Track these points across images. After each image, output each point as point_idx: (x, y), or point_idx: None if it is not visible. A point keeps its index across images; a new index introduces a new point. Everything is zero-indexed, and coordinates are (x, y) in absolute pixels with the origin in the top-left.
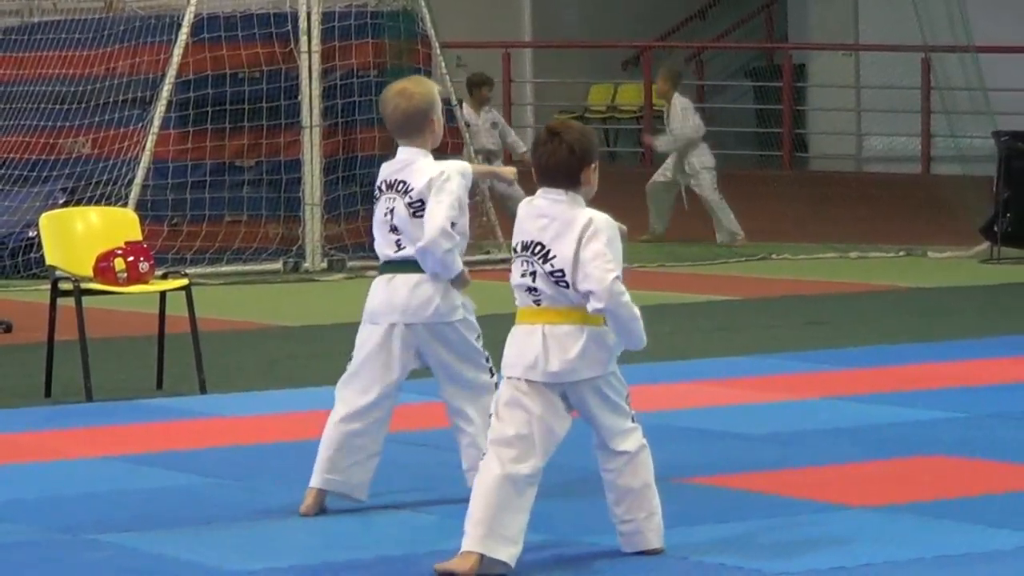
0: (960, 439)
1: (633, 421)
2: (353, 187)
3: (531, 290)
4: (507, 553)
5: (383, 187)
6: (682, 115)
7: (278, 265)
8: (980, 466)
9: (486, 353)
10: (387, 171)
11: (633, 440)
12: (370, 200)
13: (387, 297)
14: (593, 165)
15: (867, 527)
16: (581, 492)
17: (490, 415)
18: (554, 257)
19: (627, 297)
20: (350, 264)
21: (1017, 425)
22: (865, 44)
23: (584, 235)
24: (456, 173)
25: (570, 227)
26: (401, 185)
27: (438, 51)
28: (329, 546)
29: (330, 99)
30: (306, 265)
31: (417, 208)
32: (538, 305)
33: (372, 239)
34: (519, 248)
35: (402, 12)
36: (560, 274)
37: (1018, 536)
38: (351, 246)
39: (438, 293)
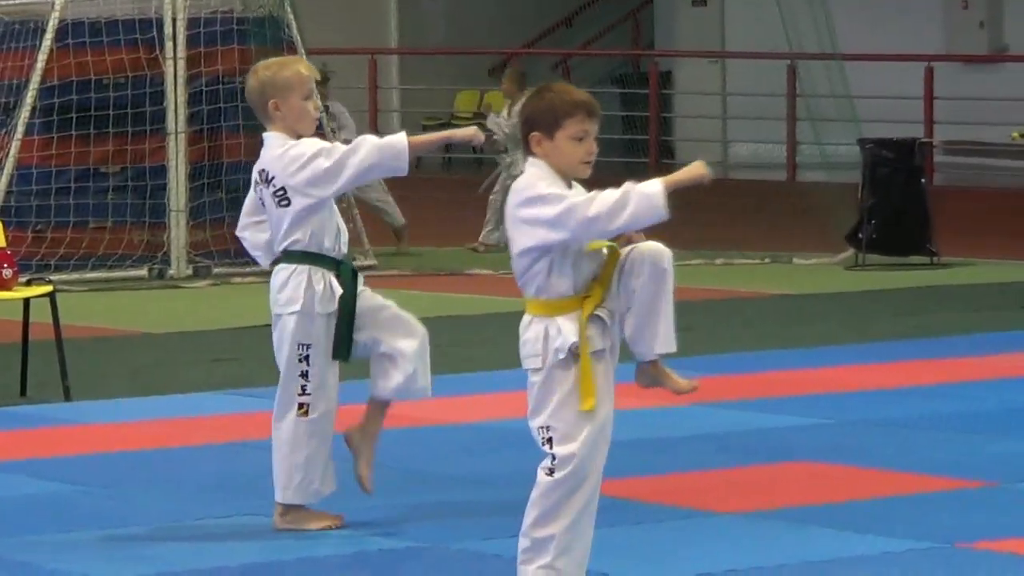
0: (827, 445)
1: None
2: (219, 193)
3: None
4: None
5: (255, 179)
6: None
7: (143, 272)
8: (846, 472)
9: (303, 367)
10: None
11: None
12: (235, 207)
13: None
14: (535, 134)
15: (734, 533)
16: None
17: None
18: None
19: (592, 209)
20: (215, 271)
21: (883, 431)
22: (731, 51)
23: (513, 203)
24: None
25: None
26: (263, 174)
27: (304, 57)
28: (196, 553)
29: (195, 105)
30: (171, 272)
31: (281, 198)
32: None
33: (238, 245)
34: None
35: (268, 18)
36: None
37: (883, 542)
38: (216, 253)
39: (275, 282)
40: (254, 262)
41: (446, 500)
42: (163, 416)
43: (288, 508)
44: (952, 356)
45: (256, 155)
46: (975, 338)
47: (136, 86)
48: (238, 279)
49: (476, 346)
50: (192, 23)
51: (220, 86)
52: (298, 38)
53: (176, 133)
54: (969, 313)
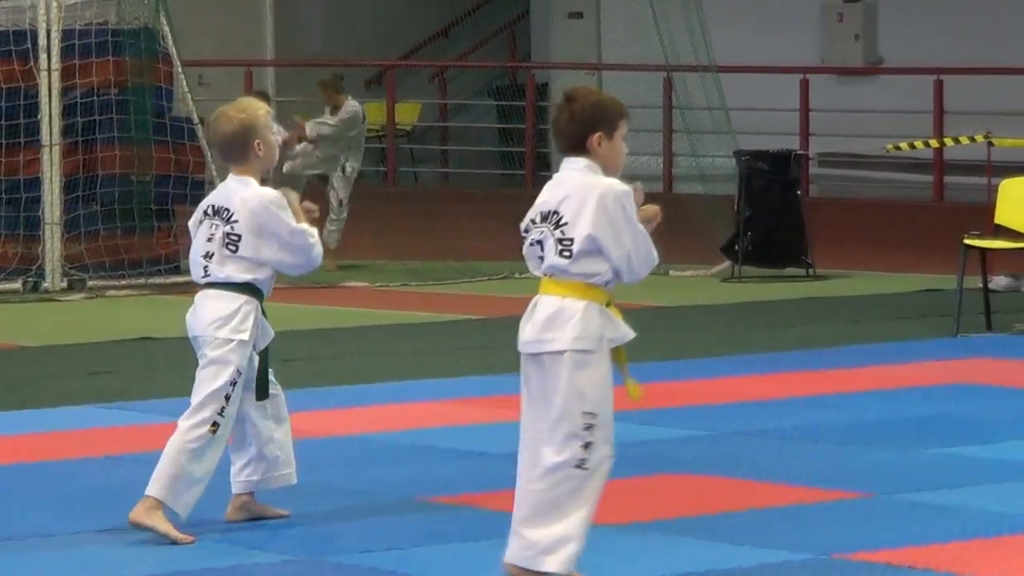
0: (703, 457)
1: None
2: (94, 206)
3: (541, 259)
4: None
5: (209, 211)
6: (350, 118)
7: (17, 285)
8: (722, 483)
9: (229, 390)
10: (214, 196)
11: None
12: (110, 219)
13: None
14: (598, 134)
15: (611, 544)
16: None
17: None
18: (565, 225)
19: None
20: (90, 284)
21: (758, 443)
22: (607, 63)
23: (596, 208)
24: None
25: (584, 198)
26: (225, 213)
27: (180, 69)
28: (71, 567)
29: (70, 117)
30: (46, 285)
31: (233, 240)
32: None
33: (113, 258)
34: (537, 219)
35: (143, 30)
36: (569, 242)
37: (760, 553)
38: (91, 265)
39: (224, 307)
40: (129, 275)
41: (323, 512)
42: (38, 430)
43: (159, 504)
44: (828, 367)
45: (130, 167)
46: (851, 349)
47: (10, 98)
48: (113, 292)
49: (352, 358)
50: (67, 35)
51: (95, 98)
52: (173, 50)
53: (51, 145)
54: (844, 324)
